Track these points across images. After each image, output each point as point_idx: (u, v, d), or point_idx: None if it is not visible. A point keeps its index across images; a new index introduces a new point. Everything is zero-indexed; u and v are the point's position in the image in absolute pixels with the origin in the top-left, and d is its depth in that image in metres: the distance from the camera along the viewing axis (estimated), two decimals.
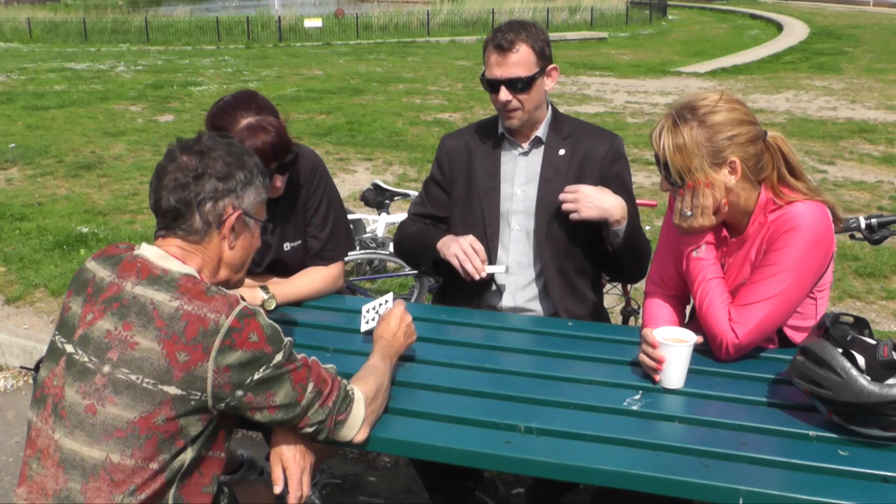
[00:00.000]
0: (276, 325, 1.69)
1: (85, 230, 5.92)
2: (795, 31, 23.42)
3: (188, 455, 1.66)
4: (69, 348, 1.69)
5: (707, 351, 2.17)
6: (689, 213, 2.10)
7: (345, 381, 1.79)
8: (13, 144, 8.86)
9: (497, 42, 2.47)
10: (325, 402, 1.72)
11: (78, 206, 6.64)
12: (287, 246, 2.58)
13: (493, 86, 2.51)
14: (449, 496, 2.62)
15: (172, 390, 1.59)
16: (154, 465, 1.61)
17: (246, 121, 2.30)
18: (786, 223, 2.04)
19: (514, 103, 2.51)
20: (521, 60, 2.47)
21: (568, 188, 2.47)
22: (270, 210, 2.52)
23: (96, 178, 7.62)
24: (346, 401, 1.75)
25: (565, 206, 2.45)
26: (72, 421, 1.64)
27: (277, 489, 1.78)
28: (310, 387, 1.70)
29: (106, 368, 1.62)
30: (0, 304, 4.77)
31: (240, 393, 1.63)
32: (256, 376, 1.63)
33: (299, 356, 1.73)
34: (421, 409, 1.92)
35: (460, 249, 2.48)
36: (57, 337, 1.73)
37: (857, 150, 8.72)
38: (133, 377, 1.60)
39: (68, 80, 14.08)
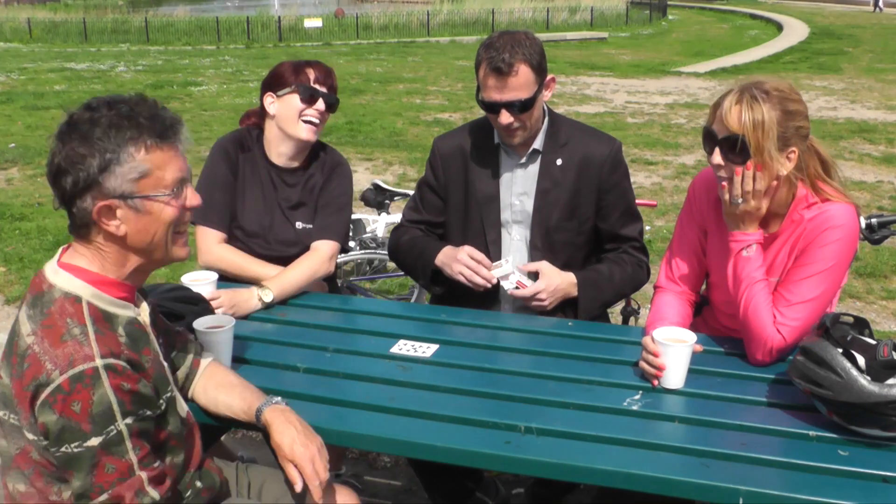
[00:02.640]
0: (113, 407, 1.47)
1: None
2: (795, 31, 23.42)
3: None
4: None
5: (707, 351, 2.17)
6: (740, 200, 2.09)
7: None
8: (13, 144, 8.86)
9: (494, 65, 2.36)
10: None
11: None
12: (299, 225, 2.70)
13: (492, 108, 2.44)
14: (449, 496, 2.62)
15: (26, 430, 1.52)
16: (54, 497, 1.55)
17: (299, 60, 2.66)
18: (825, 221, 2.07)
19: (516, 123, 2.45)
20: (521, 83, 2.38)
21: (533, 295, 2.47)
22: (291, 185, 2.68)
23: None
24: None
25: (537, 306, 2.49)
26: None
27: (298, 487, 1.71)
28: (103, 496, 1.50)
29: None
30: (0, 304, 4.77)
31: (47, 452, 1.52)
32: (64, 449, 1.47)
33: (126, 461, 1.51)
34: (421, 409, 1.92)
35: (464, 266, 2.46)
36: None
37: (857, 150, 8.72)
38: (2, 412, 1.56)
39: (68, 80, 14.08)
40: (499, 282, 2.48)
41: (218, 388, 1.88)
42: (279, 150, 2.69)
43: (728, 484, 1.63)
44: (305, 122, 2.61)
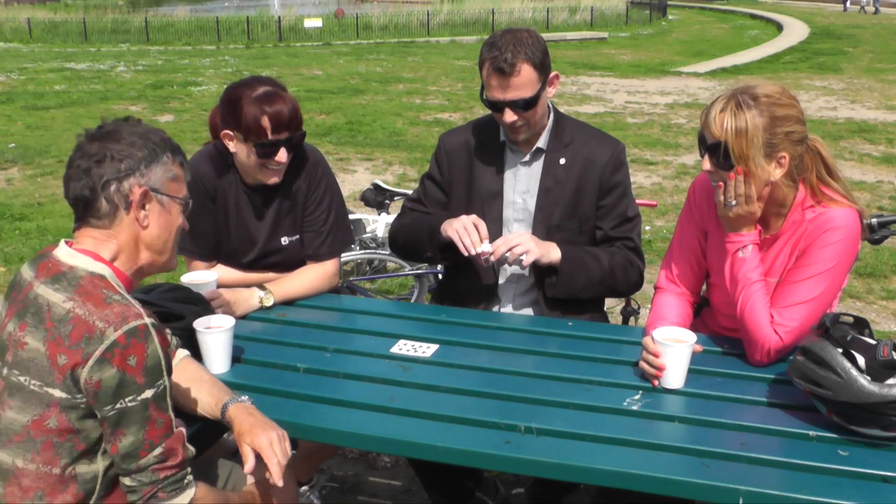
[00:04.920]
0: (163, 361, 1.59)
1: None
2: (795, 31, 23.41)
3: (100, 465, 1.63)
4: None
5: (706, 351, 2.17)
6: (733, 202, 2.09)
7: (191, 473, 1.68)
8: (13, 144, 8.86)
9: (497, 65, 2.37)
10: (158, 470, 1.61)
11: None
12: (285, 240, 2.60)
13: (496, 107, 2.45)
14: (449, 496, 2.62)
15: (57, 393, 1.56)
16: (56, 470, 1.59)
17: (263, 88, 2.39)
18: (826, 222, 2.06)
19: (520, 121, 2.46)
20: (523, 82, 2.39)
21: (510, 244, 2.40)
22: (269, 203, 2.57)
23: None
24: (177, 485, 1.64)
25: (525, 259, 2.40)
26: None
27: (248, 466, 1.74)
28: (157, 450, 1.60)
29: (4, 371, 1.62)
30: (0, 304, 4.77)
31: (99, 415, 1.58)
32: (119, 405, 1.55)
33: (169, 416, 1.62)
34: (421, 409, 1.92)
35: (461, 225, 2.43)
36: None
37: (857, 150, 8.72)
38: (22, 379, 1.59)
39: (68, 80, 14.08)
40: (497, 275, 2.47)
41: (189, 382, 1.90)
42: (250, 175, 2.52)
43: (728, 484, 1.63)
44: (268, 169, 2.45)
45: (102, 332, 1.54)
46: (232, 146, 2.45)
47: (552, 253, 2.47)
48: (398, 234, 2.73)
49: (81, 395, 1.57)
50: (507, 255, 2.39)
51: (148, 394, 1.57)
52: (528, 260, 2.40)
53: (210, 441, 2.01)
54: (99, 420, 1.59)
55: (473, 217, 2.46)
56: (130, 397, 1.56)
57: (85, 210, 1.69)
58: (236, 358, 2.15)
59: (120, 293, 1.62)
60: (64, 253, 1.68)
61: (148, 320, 1.58)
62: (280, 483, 1.73)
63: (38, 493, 1.60)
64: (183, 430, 1.67)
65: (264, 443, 1.74)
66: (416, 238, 2.64)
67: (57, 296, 1.60)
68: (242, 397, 1.87)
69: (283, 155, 2.42)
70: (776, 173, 2.05)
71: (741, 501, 1.61)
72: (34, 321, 1.60)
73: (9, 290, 1.75)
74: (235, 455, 2.91)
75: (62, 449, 1.59)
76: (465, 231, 2.41)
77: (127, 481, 1.62)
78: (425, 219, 2.64)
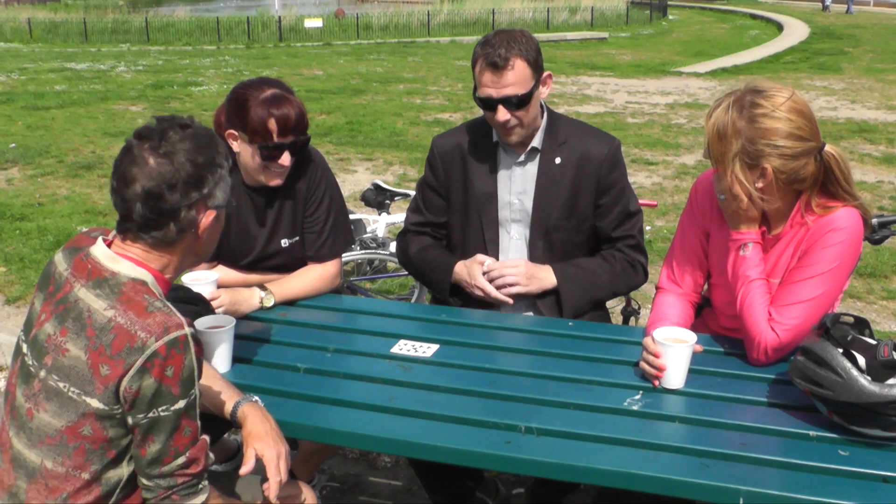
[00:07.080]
0: (196, 371, 1.61)
1: (85, 230, 5.91)
2: (796, 31, 23.40)
3: (125, 470, 1.65)
4: (24, 348, 1.70)
5: (707, 351, 2.17)
6: (721, 196, 2.10)
7: (206, 479, 1.71)
8: (13, 144, 8.86)
9: (490, 60, 2.37)
10: (178, 475, 1.64)
11: (78, 207, 6.64)
12: (285, 242, 2.59)
13: (489, 104, 2.44)
14: (449, 496, 2.62)
15: (94, 403, 1.57)
16: (85, 475, 1.61)
17: (272, 90, 2.37)
18: (829, 223, 2.05)
19: (513, 121, 2.44)
20: (517, 79, 2.39)
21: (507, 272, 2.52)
22: (269, 205, 2.56)
23: (96, 178, 7.62)
24: (191, 490, 1.67)
25: (517, 290, 2.51)
26: (18, 422, 1.66)
27: (246, 469, 1.77)
28: (181, 458, 1.63)
29: (42, 373, 1.62)
30: (0, 304, 4.77)
31: (131, 421, 1.60)
32: (152, 414, 1.58)
33: (196, 424, 1.65)
34: (421, 409, 1.92)
35: (476, 287, 2.53)
36: (21, 334, 1.74)
37: (858, 150, 8.72)
38: (62, 385, 1.60)
39: (68, 80, 14.07)
40: None
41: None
42: (251, 176, 2.50)
43: (728, 484, 1.63)
44: (271, 171, 2.44)
45: (144, 342, 1.55)
46: (236, 146, 2.45)
47: (545, 282, 2.53)
48: (408, 266, 2.77)
49: (119, 405, 1.58)
50: (498, 280, 2.50)
51: (181, 404, 1.59)
52: (512, 291, 2.50)
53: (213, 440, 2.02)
54: (131, 426, 1.60)
55: (471, 268, 2.55)
56: (164, 407, 1.58)
57: (145, 228, 1.65)
58: (237, 358, 2.15)
59: (162, 300, 1.63)
60: (103, 254, 1.67)
61: (188, 330, 1.59)
62: (274, 498, 1.77)
63: (64, 495, 1.62)
64: (206, 438, 1.69)
65: (272, 456, 1.77)
66: (426, 277, 2.72)
67: (99, 303, 1.60)
68: (254, 397, 1.88)
69: (286, 158, 2.41)
70: (757, 183, 2.03)
71: (741, 501, 1.61)
72: (75, 327, 1.60)
73: (42, 281, 1.74)
74: (235, 456, 2.93)
75: (94, 455, 1.61)
76: (471, 285, 2.54)
77: (145, 481, 1.64)
78: (429, 262, 2.68)
